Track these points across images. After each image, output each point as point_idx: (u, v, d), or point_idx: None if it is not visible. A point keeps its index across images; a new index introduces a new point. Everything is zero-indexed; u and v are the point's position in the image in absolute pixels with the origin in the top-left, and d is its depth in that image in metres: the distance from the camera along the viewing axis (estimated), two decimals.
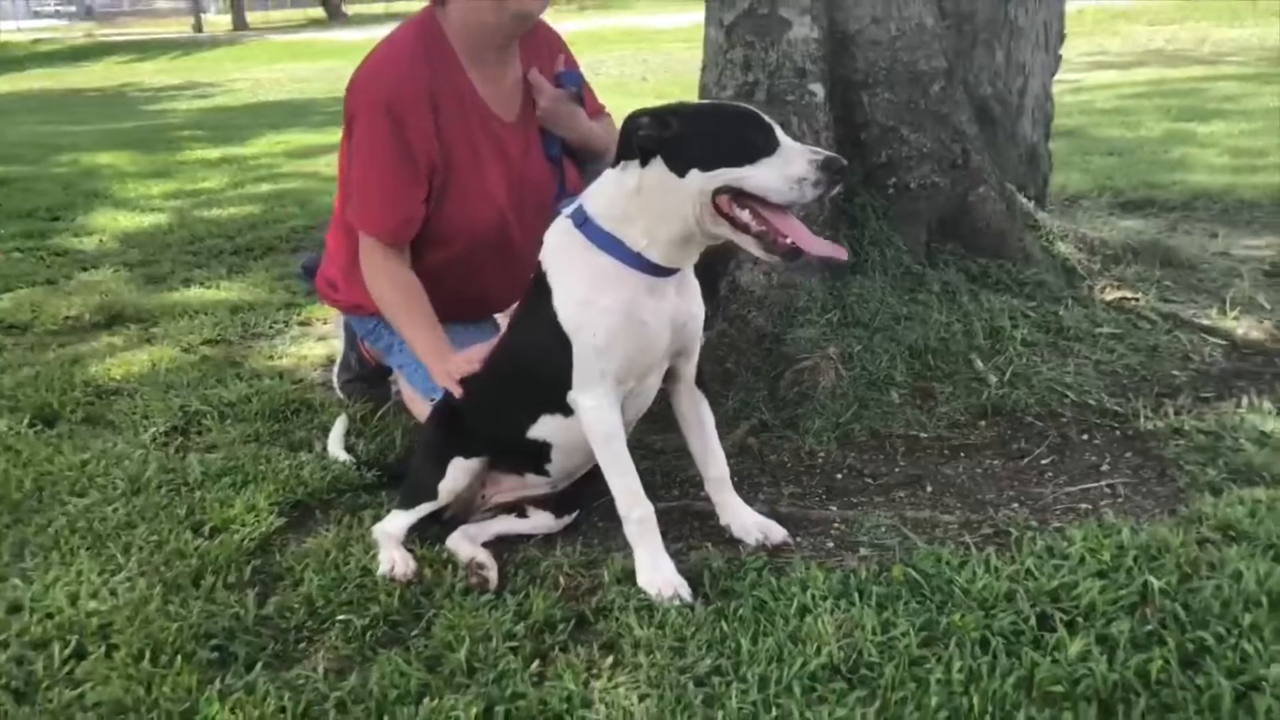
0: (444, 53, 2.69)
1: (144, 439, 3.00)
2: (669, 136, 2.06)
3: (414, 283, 2.69)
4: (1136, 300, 3.40)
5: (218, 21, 44.65)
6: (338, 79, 17.40)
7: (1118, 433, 2.74)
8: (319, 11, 41.25)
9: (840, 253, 2.16)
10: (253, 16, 44.00)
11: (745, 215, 2.05)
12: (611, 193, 2.15)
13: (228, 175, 7.98)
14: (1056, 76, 4.17)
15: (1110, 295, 3.42)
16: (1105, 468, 2.58)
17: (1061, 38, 4.13)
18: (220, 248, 5.54)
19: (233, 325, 4.13)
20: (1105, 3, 19.72)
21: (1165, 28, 16.45)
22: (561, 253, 2.21)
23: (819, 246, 2.09)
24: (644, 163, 2.09)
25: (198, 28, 39.33)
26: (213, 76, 19.95)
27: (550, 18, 2.88)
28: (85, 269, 5.24)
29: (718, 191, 2.04)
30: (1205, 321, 3.33)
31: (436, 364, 2.56)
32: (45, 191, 7.39)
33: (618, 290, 2.13)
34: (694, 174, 2.04)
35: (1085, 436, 2.74)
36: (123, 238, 5.91)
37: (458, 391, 2.43)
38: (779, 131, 2.05)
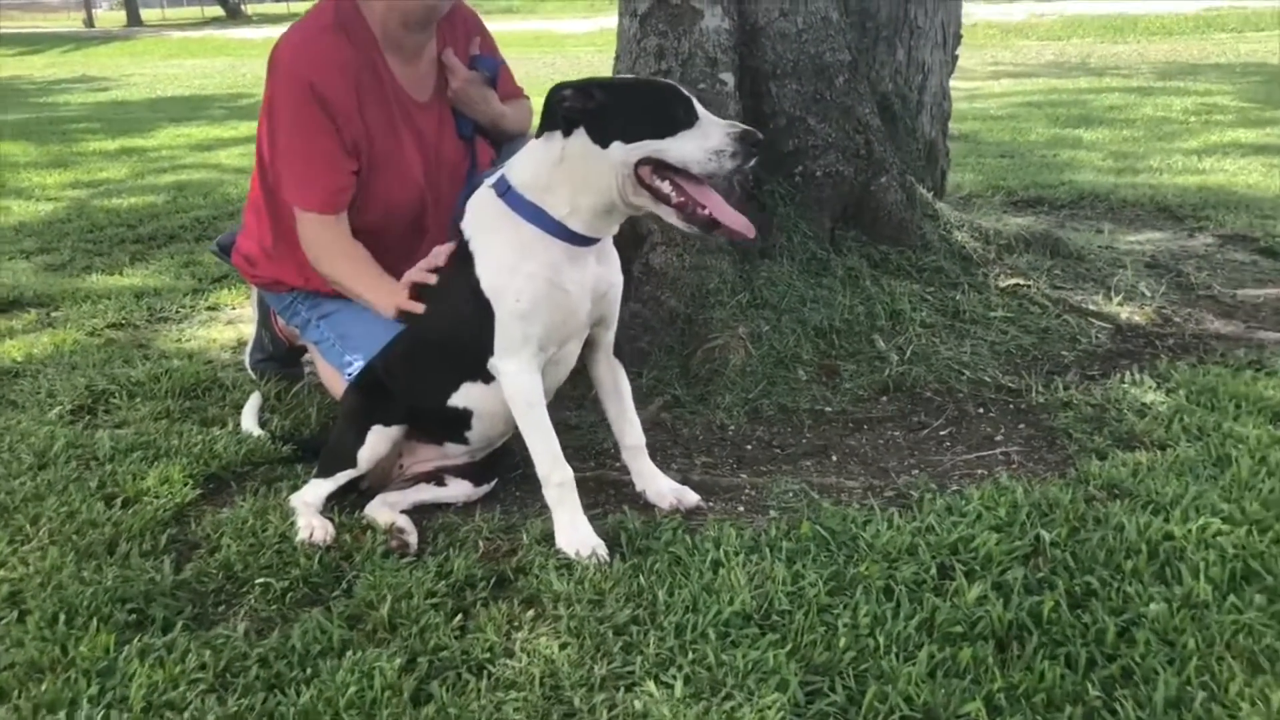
0: (362, 34, 2.70)
1: (50, 416, 2.95)
2: (592, 108, 2.12)
3: (358, 246, 2.70)
4: (1029, 287, 3.56)
5: (110, 17, 43.39)
6: (238, 76, 17.11)
7: (1011, 406, 2.88)
8: (218, 10, 40.38)
9: (750, 229, 2.23)
10: (148, 14, 42.91)
11: (666, 186, 2.12)
12: (534, 163, 2.20)
13: (128, 166, 7.81)
14: (953, 80, 4.34)
15: (1004, 282, 3.58)
16: (1000, 438, 2.71)
17: (958, 39, 4.30)
18: (122, 236, 5.43)
19: (138, 310, 4.07)
20: (998, 18, 20.36)
21: (1054, 43, 17.07)
22: (484, 221, 2.26)
23: (734, 219, 2.16)
24: (567, 133, 2.14)
25: (89, 23, 38.17)
26: (107, 71, 19.42)
27: None
28: None
29: (640, 163, 2.11)
30: (1092, 307, 3.51)
31: (386, 298, 2.55)
32: None
33: (540, 257, 2.18)
34: (616, 145, 2.10)
35: (981, 410, 2.87)
36: (18, 226, 5.75)
37: (414, 308, 2.44)
38: (698, 105, 2.12)
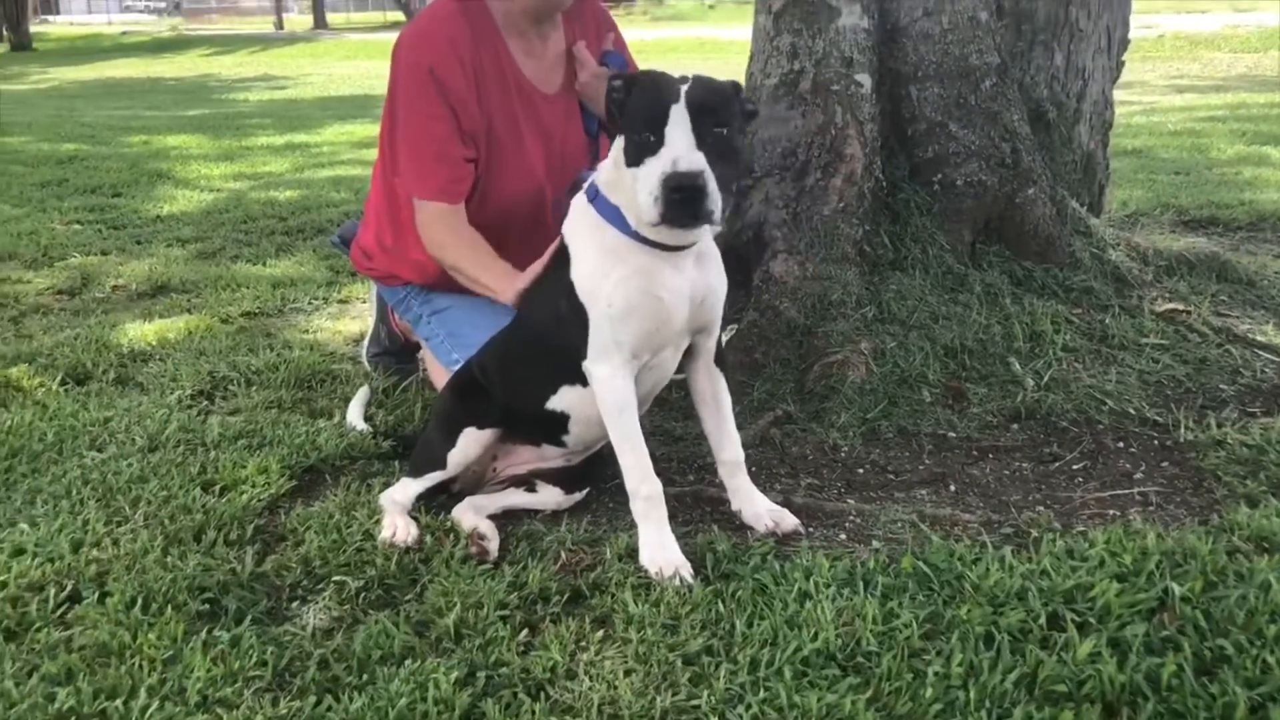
0: (485, 22, 2.68)
1: (169, 400, 3.01)
2: (622, 104, 2.03)
3: (477, 235, 2.66)
4: (1188, 313, 3.27)
5: (299, 20, 45.53)
6: None
7: (1155, 442, 2.63)
8: (399, 14, 41.89)
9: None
10: (334, 17, 44.86)
11: None
12: (609, 162, 2.13)
13: (290, 161, 8.08)
14: (1129, 93, 4.04)
15: (1161, 306, 3.30)
16: (1139, 476, 2.48)
17: (1125, 44, 4.01)
18: (272, 228, 5.59)
19: (273, 299, 4.16)
20: (1189, 29, 19.31)
21: (1248, 55, 16.05)
22: (578, 225, 2.19)
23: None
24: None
25: (279, 25, 40.13)
26: (288, 71, 20.30)
27: (623, 26, 2.88)
28: (140, 242, 5.31)
29: None
30: (1260, 338, 3.20)
31: (509, 285, 2.50)
32: (112, 169, 7.53)
33: (629, 262, 2.08)
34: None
35: (1121, 444, 2.63)
36: (180, 215, 5.99)
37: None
38: (675, 124, 1.90)
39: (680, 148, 1.88)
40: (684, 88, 1.92)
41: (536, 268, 2.41)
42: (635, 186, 1.94)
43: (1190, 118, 9.09)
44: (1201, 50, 16.99)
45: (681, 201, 1.86)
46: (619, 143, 2.07)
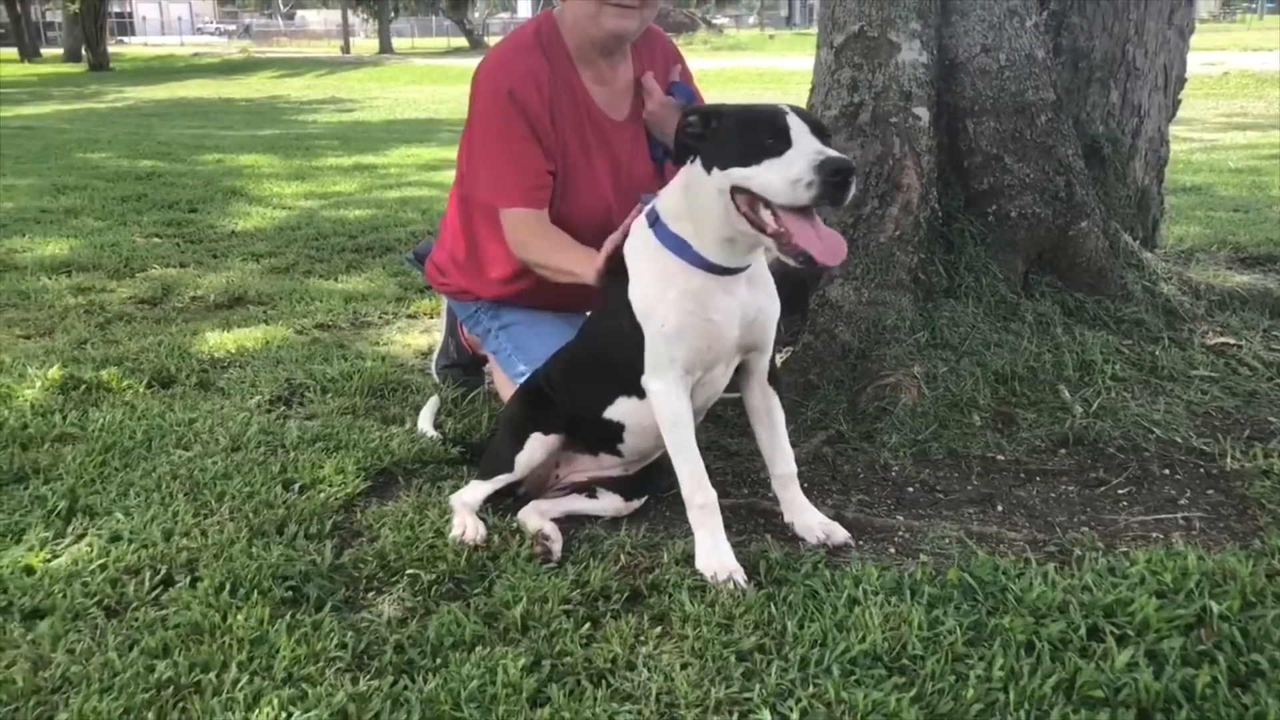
0: (559, 52, 2.82)
1: (249, 404, 3.17)
2: (708, 134, 2.14)
3: (556, 230, 2.77)
4: (1239, 347, 3.32)
5: (365, 45, 46.38)
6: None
7: (1201, 470, 2.68)
8: (462, 40, 42.61)
9: (836, 255, 2.09)
10: (399, 42, 45.65)
11: (766, 215, 2.09)
12: (674, 191, 2.25)
13: (358, 181, 8.32)
14: (1190, 130, 4.10)
15: (1212, 340, 3.35)
16: (1183, 502, 2.54)
17: (1181, 83, 4.08)
18: (343, 245, 5.79)
19: (344, 313, 4.33)
20: (1256, 66, 19.12)
21: None
22: (637, 247, 2.31)
23: (819, 248, 2.06)
24: (692, 160, 2.18)
25: (345, 49, 40.95)
26: (354, 94, 20.76)
27: (686, 55, 3.08)
28: (216, 256, 5.53)
29: (736, 191, 2.10)
30: None
31: (589, 264, 2.57)
32: (188, 186, 7.82)
33: (683, 285, 2.21)
34: (715, 172, 2.12)
35: (1167, 471, 2.69)
36: (254, 231, 6.22)
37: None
38: (799, 132, 2.05)
39: (815, 143, 2.04)
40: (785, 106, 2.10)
41: (609, 247, 2.47)
42: (764, 180, 2.03)
43: (1252, 155, 9.05)
44: (1266, 88, 16.82)
45: (838, 184, 1.99)
46: (689, 171, 2.19)
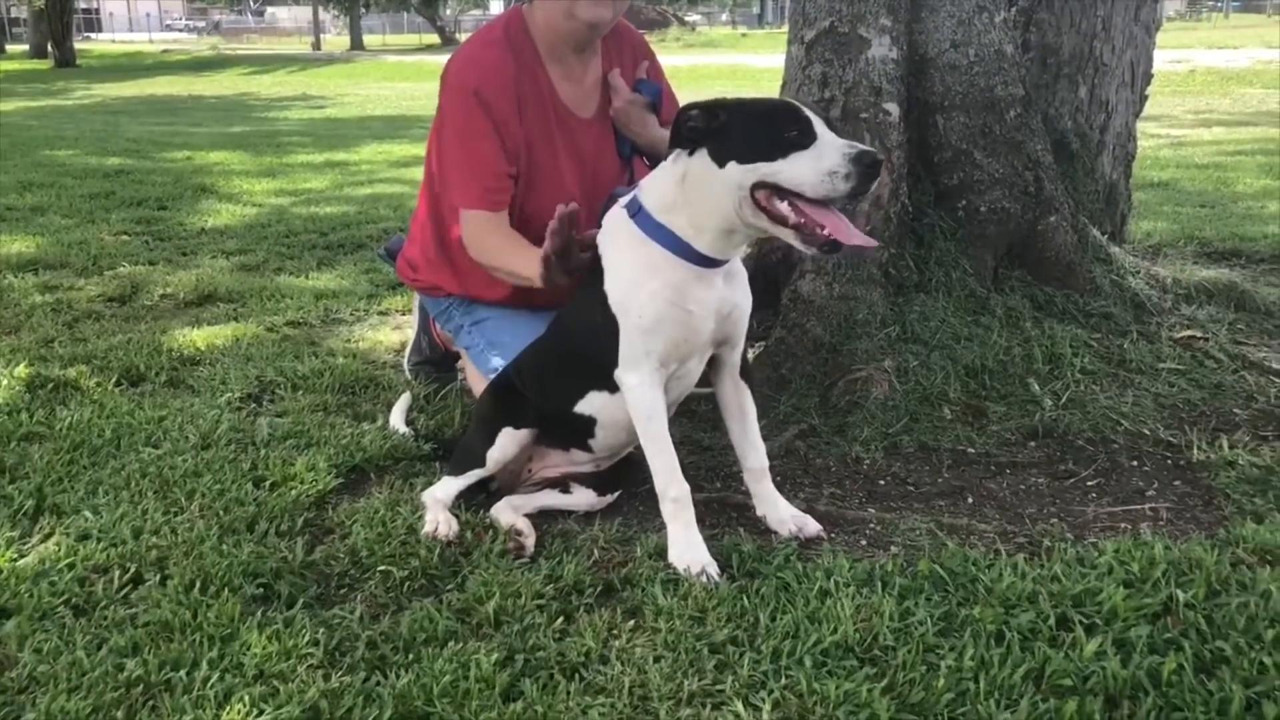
0: (527, 49, 2.81)
1: (219, 402, 3.15)
2: (715, 128, 2.13)
3: (512, 232, 2.76)
4: (1205, 340, 3.36)
5: (336, 41, 46.12)
6: None
7: (1169, 461, 2.72)
8: (434, 37, 42.47)
9: (872, 243, 2.16)
10: (370, 39, 45.43)
11: (784, 207, 2.09)
12: (663, 183, 2.24)
13: (329, 178, 8.28)
14: (1158, 126, 4.14)
15: (1178, 333, 3.39)
16: (1151, 493, 2.57)
17: (1148, 79, 4.12)
18: (314, 242, 5.76)
19: (315, 310, 4.30)
20: (1222, 64, 19.33)
21: (1277, 91, 16.05)
22: (615, 239, 2.30)
23: (856, 238, 2.09)
24: (691, 153, 2.17)
25: (316, 46, 40.70)
26: (325, 91, 20.64)
27: (658, 51, 3.04)
28: (185, 253, 5.49)
29: (756, 186, 2.10)
30: (1275, 365, 3.27)
31: (534, 264, 2.51)
32: (157, 183, 7.75)
33: (665, 277, 2.21)
34: (732, 166, 2.11)
35: (1135, 463, 2.72)
36: (224, 228, 6.17)
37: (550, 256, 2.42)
38: (819, 125, 2.08)
39: (835, 136, 2.07)
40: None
41: (547, 248, 2.42)
42: (794, 172, 2.04)
43: (1218, 151, 9.15)
44: (1232, 85, 17.02)
45: (870, 177, 2.02)
46: (689, 164, 2.18)
